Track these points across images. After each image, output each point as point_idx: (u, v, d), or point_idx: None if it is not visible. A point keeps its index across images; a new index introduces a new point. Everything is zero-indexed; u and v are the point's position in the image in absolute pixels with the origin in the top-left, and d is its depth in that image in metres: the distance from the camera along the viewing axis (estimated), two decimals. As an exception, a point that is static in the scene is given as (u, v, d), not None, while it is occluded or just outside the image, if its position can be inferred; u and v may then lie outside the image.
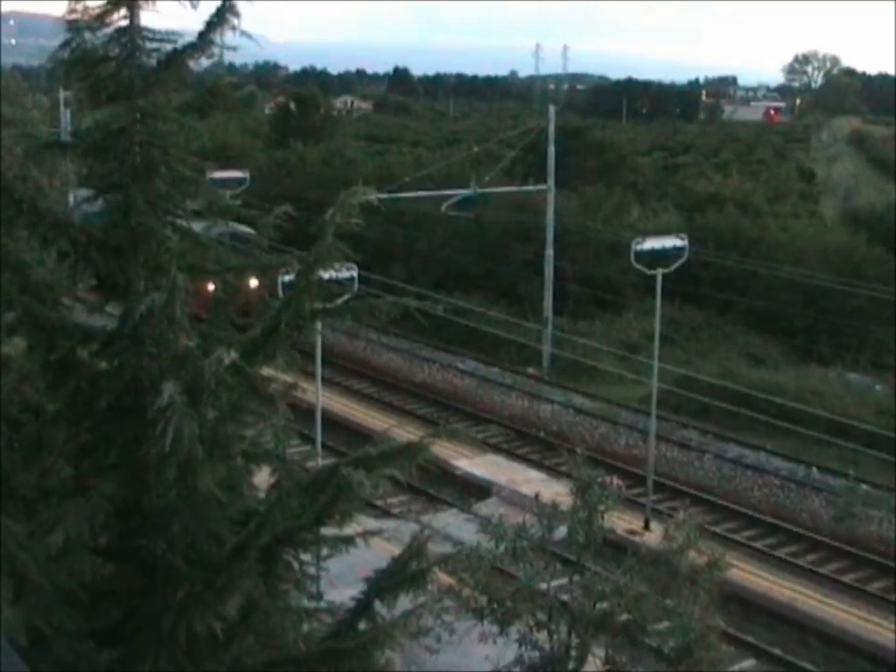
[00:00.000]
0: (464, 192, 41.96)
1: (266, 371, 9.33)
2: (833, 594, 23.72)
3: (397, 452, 9.37)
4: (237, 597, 8.48)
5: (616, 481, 15.73)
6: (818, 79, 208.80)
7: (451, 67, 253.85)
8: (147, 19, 8.53)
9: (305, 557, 9.47)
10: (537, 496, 15.33)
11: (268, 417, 9.30)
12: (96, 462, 8.91)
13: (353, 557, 9.68)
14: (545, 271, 41.44)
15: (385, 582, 9.63)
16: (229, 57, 9.79)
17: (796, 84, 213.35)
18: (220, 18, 8.63)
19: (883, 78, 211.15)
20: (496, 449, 31.92)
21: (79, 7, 8.36)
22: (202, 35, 8.68)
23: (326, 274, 9.43)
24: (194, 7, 8.52)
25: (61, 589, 8.21)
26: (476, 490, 28.94)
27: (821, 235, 51.27)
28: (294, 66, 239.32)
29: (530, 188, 45.25)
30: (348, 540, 9.43)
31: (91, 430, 9.00)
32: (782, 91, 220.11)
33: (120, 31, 8.52)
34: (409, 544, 9.85)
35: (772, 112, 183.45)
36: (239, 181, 38.19)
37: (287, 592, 9.52)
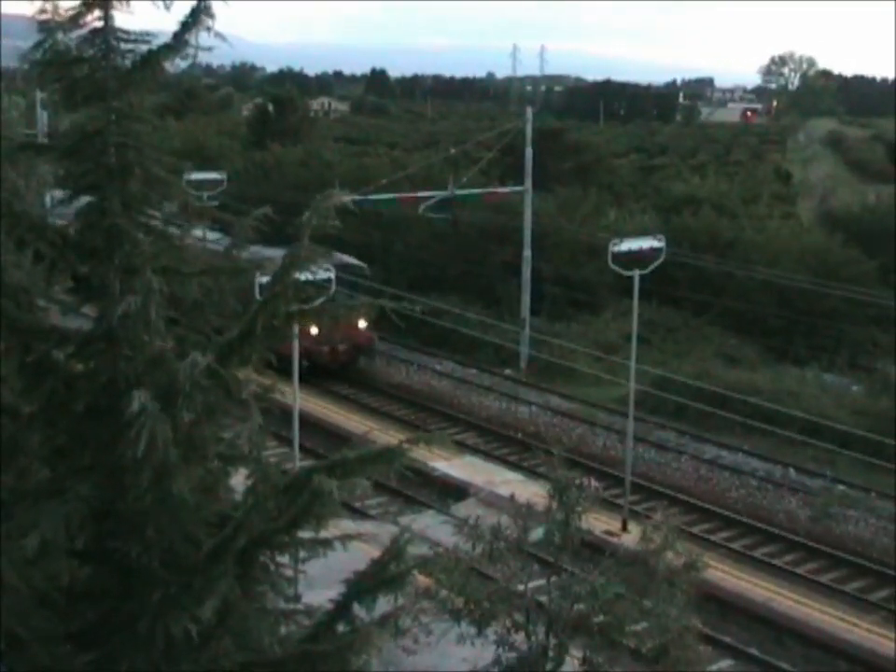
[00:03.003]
0: (441, 194, 41.97)
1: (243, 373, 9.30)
2: (810, 594, 23.81)
3: (374, 456, 9.33)
4: (213, 600, 8.46)
5: (593, 482, 15.73)
6: (794, 81, 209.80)
7: (428, 69, 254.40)
8: (122, 19, 8.50)
9: (282, 559, 9.45)
10: (512, 496, 15.32)
11: (244, 419, 9.28)
12: (72, 464, 8.87)
13: (331, 559, 9.65)
14: (522, 272, 41.46)
15: (364, 585, 9.60)
16: (206, 58, 9.77)
17: (773, 85, 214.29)
18: (195, 18, 8.59)
19: (859, 80, 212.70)
20: (473, 450, 31.98)
21: (49, 6, 8.32)
22: (176, 35, 8.63)
23: (302, 276, 9.38)
24: (167, 7, 8.49)
25: (37, 591, 8.18)
26: (454, 491, 28.94)
27: (797, 236, 51.49)
28: (271, 67, 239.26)
29: (507, 188, 45.24)
30: (325, 543, 9.42)
31: (67, 432, 8.96)
32: (759, 92, 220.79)
33: (94, 32, 8.47)
34: (388, 547, 9.82)
35: (749, 113, 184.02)
36: (216, 182, 38.16)
37: (263, 594, 9.50)
